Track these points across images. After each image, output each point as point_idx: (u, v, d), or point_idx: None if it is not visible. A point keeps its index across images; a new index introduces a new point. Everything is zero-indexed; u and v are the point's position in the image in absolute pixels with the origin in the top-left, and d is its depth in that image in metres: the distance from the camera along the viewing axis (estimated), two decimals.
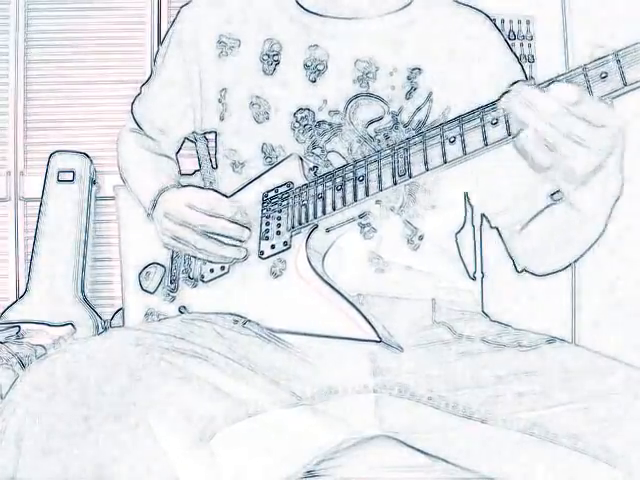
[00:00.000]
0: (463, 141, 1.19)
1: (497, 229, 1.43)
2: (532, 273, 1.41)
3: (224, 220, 1.35)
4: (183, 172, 1.57)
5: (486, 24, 1.40)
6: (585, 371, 1.21)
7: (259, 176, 1.37)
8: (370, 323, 1.25)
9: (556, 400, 1.18)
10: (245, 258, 1.35)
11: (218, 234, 1.35)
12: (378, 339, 1.25)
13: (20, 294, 1.96)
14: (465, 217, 1.41)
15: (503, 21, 1.71)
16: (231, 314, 1.32)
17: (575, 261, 1.37)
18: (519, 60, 1.40)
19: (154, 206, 1.44)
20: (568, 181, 1.18)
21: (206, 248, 1.35)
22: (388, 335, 1.28)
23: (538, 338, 1.29)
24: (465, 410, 1.21)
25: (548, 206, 1.32)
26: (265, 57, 1.39)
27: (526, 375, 1.22)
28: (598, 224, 1.27)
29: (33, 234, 1.96)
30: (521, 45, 1.73)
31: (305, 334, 1.27)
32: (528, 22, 1.74)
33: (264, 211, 1.35)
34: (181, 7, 1.49)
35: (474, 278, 1.44)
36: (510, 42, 1.41)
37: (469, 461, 1.21)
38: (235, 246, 1.35)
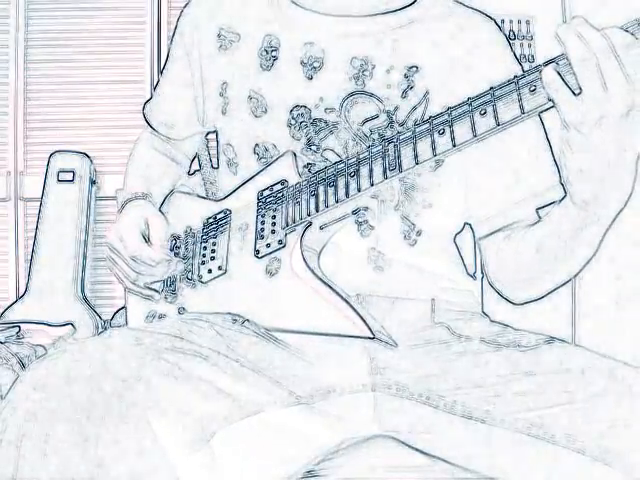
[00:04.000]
0: (452, 132, 1.19)
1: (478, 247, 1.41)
2: (508, 300, 1.37)
3: (146, 264, 1.42)
4: None
5: (487, 24, 1.40)
6: (585, 371, 1.21)
7: (254, 175, 1.37)
8: (364, 319, 1.25)
9: (555, 400, 1.18)
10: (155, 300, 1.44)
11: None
12: (371, 336, 1.25)
13: (20, 294, 1.96)
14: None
15: (503, 21, 1.71)
16: (230, 314, 1.32)
17: (553, 291, 1.34)
18: (519, 61, 1.40)
19: None
20: (570, 126, 1.12)
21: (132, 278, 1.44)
22: (382, 331, 1.28)
23: (538, 338, 1.29)
24: (464, 410, 1.21)
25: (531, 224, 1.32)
26: (263, 52, 1.39)
27: (525, 375, 1.22)
28: (594, 237, 1.23)
29: (33, 234, 1.96)
30: (521, 45, 1.73)
31: (299, 332, 1.28)
32: (528, 22, 1.74)
33: (259, 210, 1.36)
34: (185, 5, 1.50)
35: (474, 278, 1.43)
36: (510, 42, 1.41)
37: (469, 461, 1.21)
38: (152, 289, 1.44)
